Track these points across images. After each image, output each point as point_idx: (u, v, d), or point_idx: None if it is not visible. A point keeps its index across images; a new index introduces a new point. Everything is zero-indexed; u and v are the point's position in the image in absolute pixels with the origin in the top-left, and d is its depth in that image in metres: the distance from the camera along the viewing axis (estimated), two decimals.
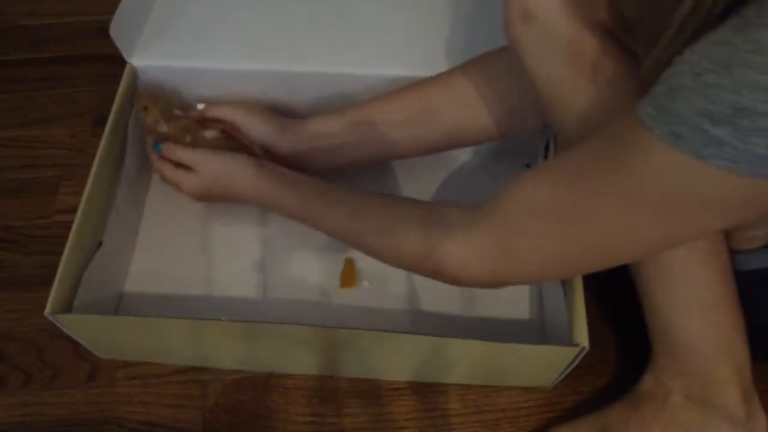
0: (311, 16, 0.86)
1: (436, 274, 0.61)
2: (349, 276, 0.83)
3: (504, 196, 0.56)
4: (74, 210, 0.72)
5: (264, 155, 0.79)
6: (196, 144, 0.78)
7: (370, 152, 0.80)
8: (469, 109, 0.75)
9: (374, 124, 0.78)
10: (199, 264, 0.85)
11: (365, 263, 0.84)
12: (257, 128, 0.80)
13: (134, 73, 0.82)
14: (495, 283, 0.59)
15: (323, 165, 0.81)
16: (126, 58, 0.81)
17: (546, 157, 0.84)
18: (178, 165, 0.77)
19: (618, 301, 0.83)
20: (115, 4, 0.77)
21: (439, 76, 0.77)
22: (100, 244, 0.75)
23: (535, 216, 0.54)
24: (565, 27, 0.59)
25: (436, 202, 0.69)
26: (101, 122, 0.96)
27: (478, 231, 0.57)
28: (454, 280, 0.60)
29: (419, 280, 0.83)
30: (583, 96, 0.59)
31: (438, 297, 0.82)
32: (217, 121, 0.81)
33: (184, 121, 0.80)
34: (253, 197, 0.74)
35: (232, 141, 0.80)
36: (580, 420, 0.74)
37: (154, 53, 0.83)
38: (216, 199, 0.78)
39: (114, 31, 0.76)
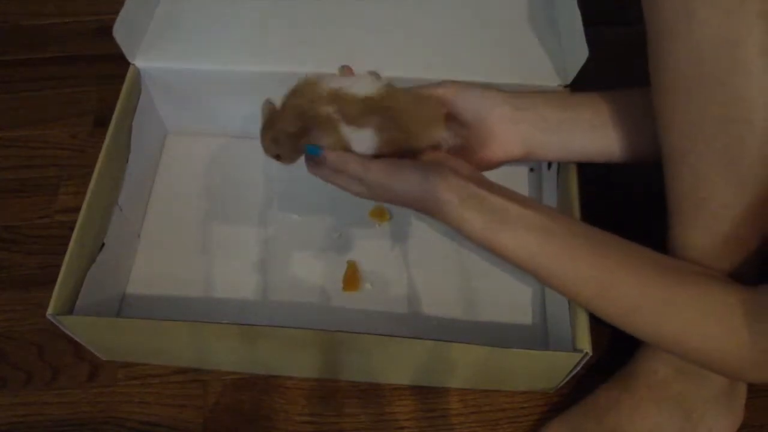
0: (315, 17, 0.86)
1: None
2: (351, 279, 0.83)
3: None
4: (74, 210, 0.72)
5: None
6: (346, 110, 0.61)
7: (591, 148, 0.68)
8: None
9: (599, 120, 0.68)
10: (201, 266, 0.85)
11: (368, 265, 0.85)
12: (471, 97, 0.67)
13: (137, 74, 0.82)
14: None
15: (545, 150, 0.69)
16: (129, 59, 0.81)
17: (550, 163, 0.84)
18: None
19: None
20: (116, 4, 0.77)
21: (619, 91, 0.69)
22: (102, 245, 0.75)
23: None
24: None
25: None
26: (101, 122, 0.97)
27: None
28: None
29: (421, 283, 0.83)
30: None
31: (440, 301, 0.82)
32: None
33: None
34: (454, 226, 0.60)
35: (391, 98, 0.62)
36: (570, 411, 0.74)
37: (158, 54, 0.83)
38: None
39: (117, 32, 0.76)
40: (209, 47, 0.83)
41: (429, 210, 0.60)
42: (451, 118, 0.67)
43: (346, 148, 0.62)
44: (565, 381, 0.74)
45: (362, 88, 0.62)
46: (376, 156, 0.62)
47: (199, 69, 0.83)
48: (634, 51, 1.05)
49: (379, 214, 0.87)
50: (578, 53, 0.74)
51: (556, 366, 0.71)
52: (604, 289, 0.57)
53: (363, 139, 0.62)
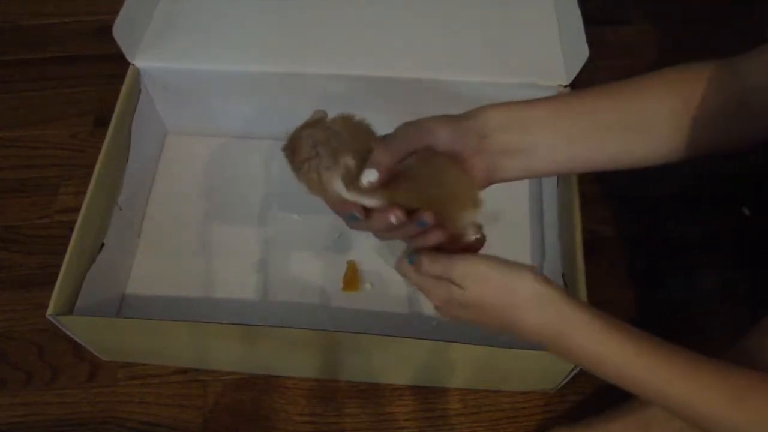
0: (315, 17, 0.86)
1: None
2: (351, 279, 0.83)
3: None
4: (74, 210, 0.72)
5: None
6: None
7: (573, 156, 0.62)
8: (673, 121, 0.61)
9: (580, 122, 0.62)
10: (201, 266, 0.85)
11: (368, 265, 0.85)
12: (436, 136, 0.58)
13: (137, 74, 0.82)
14: None
15: (509, 173, 0.62)
16: (129, 59, 0.81)
17: None
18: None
19: (619, 303, 0.84)
20: (116, 4, 0.77)
21: (640, 80, 0.63)
22: (102, 245, 0.75)
23: None
24: None
25: None
26: (101, 122, 0.97)
27: None
28: None
29: None
30: None
31: None
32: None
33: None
34: (549, 341, 0.56)
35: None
36: (580, 427, 0.73)
37: (157, 54, 0.83)
38: (484, 324, 0.59)
39: (117, 32, 0.76)
40: (209, 47, 0.83)
41: (519, 309, 0.55)
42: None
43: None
44: (565, 381, 0.74)
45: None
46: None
47: (199, 69, 0.83)
48: (634, 51, 1.06)
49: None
50: (578, 53, 0.74)
51: (556, 366, 0.70)
52: (695, 392, 0.52)
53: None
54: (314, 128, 0.57)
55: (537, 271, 0.56)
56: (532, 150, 0.61)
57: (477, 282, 0.55)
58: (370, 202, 0.56)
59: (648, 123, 0.61)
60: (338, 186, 0.56)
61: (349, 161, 0.55)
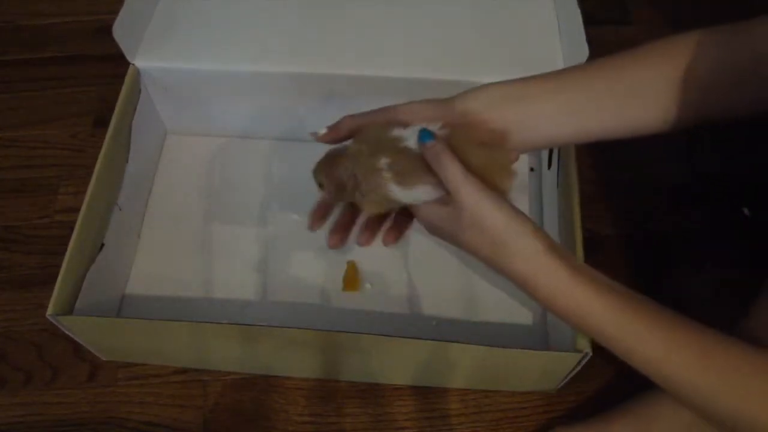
0: (315, 17, 0.86)
1: None
2: (351, 279, 0.83)
3: None
4: (74, 210, 0.72)
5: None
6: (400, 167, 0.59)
7: (571, 127, 0.62)
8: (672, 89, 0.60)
9: (577, 93, 0.61)
10: (201, 266, 0.85)
11: (368, 265, 0.84)
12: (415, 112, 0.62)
13: (137, 74, 0.82)
14: None
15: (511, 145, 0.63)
16: (129, 59, 0.81)
17: (550, 162, 0.84)
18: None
19: None
20: (116, 4, 0.77)
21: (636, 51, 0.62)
22: (102, 246, 0.75)
23: None
24: None
25: None
26: (101, 122, 0.97)
27: None
28: None
29: (421, 283, 0.83)
30: None
31: (440, 301, 0.82)
32: None
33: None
34: (530, 274, 0.56)
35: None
36: (580, 427, 0.73)
37: (157, 54, 0.82)
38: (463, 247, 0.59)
39: (117, 31, 0.76)
40: (209, 47, 0.83)
41: (507, 252, 0.55)
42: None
43: (391, 206, 0.61)
44: (565, 381, 0.74)
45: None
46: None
47: (199, 69, 0.82)
48: None
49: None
50: (578, 53, 0.74)
51: (556, 366, 0.70)
52: (670, 351, 0.53)
53: (416, 196, 0.59)
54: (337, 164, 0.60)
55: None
56: (531, 125, 0.62)
57: (481, 220, 0.56)
58: (425, 193, 0.59)
59: (643, 90, 0.61)
60: (394, 190, 0.59)
61: (383, 162, 0.58)
